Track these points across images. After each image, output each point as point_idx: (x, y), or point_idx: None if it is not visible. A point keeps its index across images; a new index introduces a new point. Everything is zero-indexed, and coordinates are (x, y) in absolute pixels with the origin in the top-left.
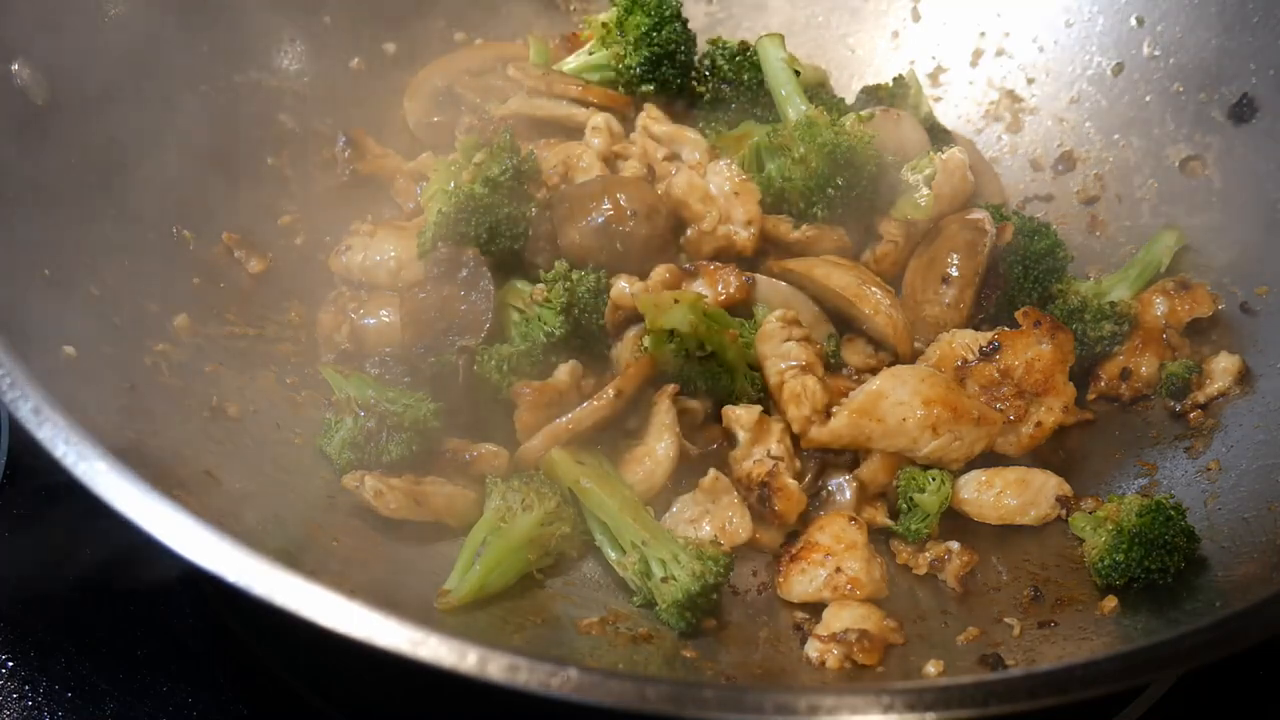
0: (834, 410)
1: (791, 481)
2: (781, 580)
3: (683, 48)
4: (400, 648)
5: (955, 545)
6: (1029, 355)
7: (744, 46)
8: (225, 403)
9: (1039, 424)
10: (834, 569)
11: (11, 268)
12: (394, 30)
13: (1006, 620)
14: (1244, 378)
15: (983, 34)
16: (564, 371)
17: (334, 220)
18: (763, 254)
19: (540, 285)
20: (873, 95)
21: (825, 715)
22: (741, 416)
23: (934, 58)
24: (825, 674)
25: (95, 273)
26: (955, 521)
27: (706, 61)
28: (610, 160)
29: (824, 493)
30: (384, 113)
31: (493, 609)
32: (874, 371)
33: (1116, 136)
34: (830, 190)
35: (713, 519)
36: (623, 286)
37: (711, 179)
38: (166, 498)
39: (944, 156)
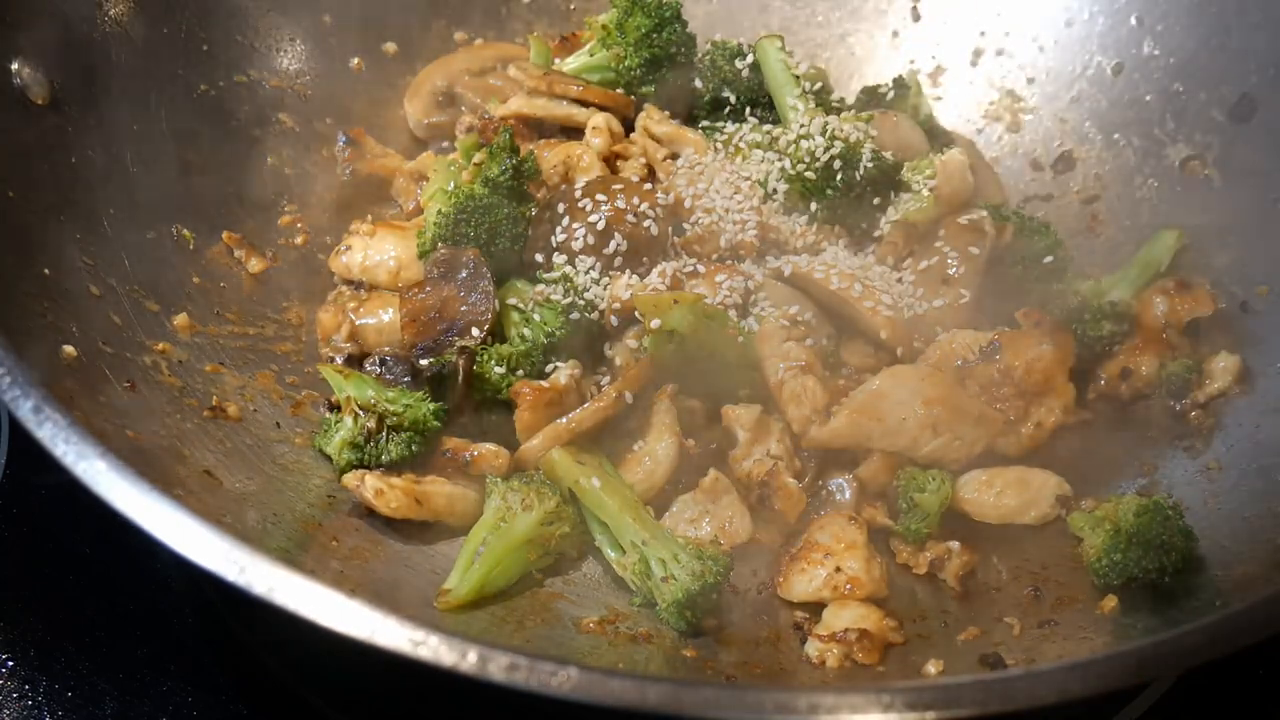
0: (834, 410)
1: (791, 481)
2: (781, 580)
3: (683, 49)
4: (400, 647)
5: (955, 545)
6: (1029, 355)
7: (744, 47)
8: (225, 403)
9: (1039, 424)
10: (834, 568)
11: (11, 267)
12: (394, 30)
13: (1006, 620)
14: (1244, 377)
15: (983, 34)
16: (564, 371)
17: (334, 220)
18: (763, 254)
19: (540, 285)
20: (873, 95)
21: (825, 714)
22: (741, 416)
23: (934, 58)
24: (825, 673)
25: (95, 273)
26: (955, 521)
27: (706, 61)
28: (610, 160)
29: (824, 492)
30: (384, 113)
31: (493, 609)
32: (874, 371)
33: (1116, 136)
34: (830, 190)
35: (713, 519)
36: (623, 286)
37: (711, 179)
38: (166, 498)
39: (944, 157)
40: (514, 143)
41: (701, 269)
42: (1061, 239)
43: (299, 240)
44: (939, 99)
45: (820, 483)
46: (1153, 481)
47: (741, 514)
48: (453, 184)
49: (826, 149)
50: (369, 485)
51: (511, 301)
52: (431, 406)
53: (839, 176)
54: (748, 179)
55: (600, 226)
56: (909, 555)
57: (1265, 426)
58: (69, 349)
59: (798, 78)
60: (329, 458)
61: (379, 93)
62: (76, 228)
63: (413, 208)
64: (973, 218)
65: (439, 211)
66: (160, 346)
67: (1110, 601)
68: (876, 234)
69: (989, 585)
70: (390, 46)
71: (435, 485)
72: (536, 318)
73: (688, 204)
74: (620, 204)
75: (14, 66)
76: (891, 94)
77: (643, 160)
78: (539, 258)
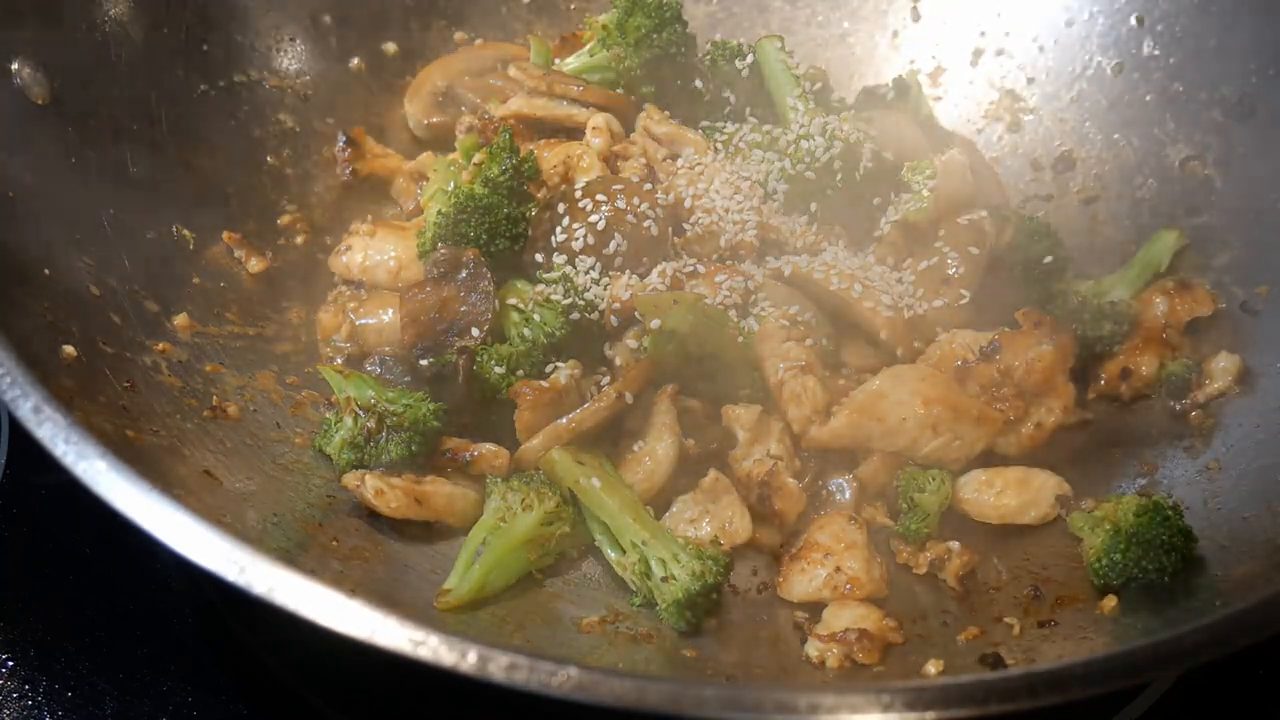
0: (834, 410)
1: (791, 481)
2: (781, 580)
3: (683, 49)
4: (400, 647)
5: (955, 545)
6: (1029, 355)
7: (744, 47)
8: (225, 403)
9: (1039, 424)
10: (834, 568)
11: (11, 267)
12: (394, 30)
13: (1006, 620)
14: (1244, 377)
15: (983, 34)
16: (564, 371)
17: (334, 220)
18: (763, 254)
19: (540, 285)
20: (873, 95)
21: (825, 714)
22: (741, 416)
23: (934, 57)
24: (825, 673)
25: (95, 273)
26: (955, 521)
27: (706, 61)
28: (610, 160)
29: (824, 492)
30: (384, 113)
31: (493, 609)
32: (874, 371)
33: (1116, 136)
34: (830, 190)
35: (713, 519)
36: (623, 286)
37: (711, 179)
38: (166, 497)
39: (944, 158)
40: (514, 143)
41: (701, 269)
42: (1061, 239)
43: (299, 240)
44: (939, 99)
45: (820, 483)
46: (1153, 481)
47: (741, 514)
48: (453, 184)
49: (826, 149)
50: (369, 485)
51: (511, 301)
52: (431, 406)
53: (839, 176)
54: (748, 179)
55: (600, 226)
56: (909, 555)
57: (1265, 426)
58: (69, 349)
59: (798, 78)
60: (329, 458)
61: (379, 93)
62: (76, 228)
63: (413, 208)
64: (973, 218)
65: (439, 211)
66: (160, 346)
67: (1110, 601)
68: (876, 234)
69: (989, 585)
70: (390, 46)
71: (435, 485)
72: (536, 318)
73: (688, 204)
74: (620, 204)
75: (14, 66)
76: (891, 94)
77: (643, 160)
78: (539, 258)
